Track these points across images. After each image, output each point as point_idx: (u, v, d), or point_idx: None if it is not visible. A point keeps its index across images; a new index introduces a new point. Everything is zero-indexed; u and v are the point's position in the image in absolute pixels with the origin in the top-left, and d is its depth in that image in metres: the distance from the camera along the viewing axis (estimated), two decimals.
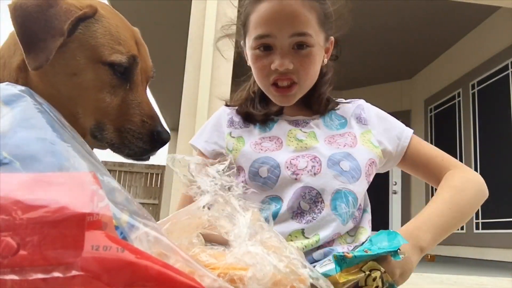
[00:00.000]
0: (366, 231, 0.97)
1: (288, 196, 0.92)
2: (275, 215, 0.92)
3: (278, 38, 0.93)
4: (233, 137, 1.04)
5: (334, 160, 0.95)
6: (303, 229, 0.90)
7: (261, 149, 0.99)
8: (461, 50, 6.25)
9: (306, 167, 0.94)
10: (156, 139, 0.82)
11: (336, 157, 0.95)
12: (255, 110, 1.06)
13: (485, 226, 5.61)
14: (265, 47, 0.96)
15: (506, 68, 5.39)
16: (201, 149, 1.08)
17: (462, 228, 6.04)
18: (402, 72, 7.13)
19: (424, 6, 5.11)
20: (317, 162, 0.95)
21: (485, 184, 0.99)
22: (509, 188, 5.17)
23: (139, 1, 5.05)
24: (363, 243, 0.75)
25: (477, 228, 5.74)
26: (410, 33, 5.79)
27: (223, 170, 0.61)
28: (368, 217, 1.01)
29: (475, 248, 5.75)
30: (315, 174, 0.93)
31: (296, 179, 0.93)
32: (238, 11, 1.11)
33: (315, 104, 1.07)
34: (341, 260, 0.65)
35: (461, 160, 6.03)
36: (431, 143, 7.49)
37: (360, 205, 0.98)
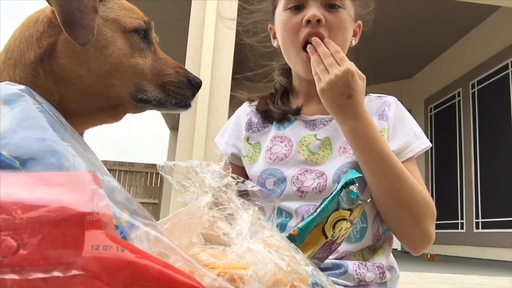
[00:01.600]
0: (384, 251, 0.93)
1: (292, 211, 0.91)
2: (284, 226, 0.91)
3: None
4: (250, 144, 1.03)
5: (339, 172, 0.92)
6: None
7: (270, 158, 0.97)
8: (461, 49, 6.25)
9: (312, 184, 0.92)
10: (193, 83, 0.90)
11: (342, 169, 0.92)
12: (274, 107, 1.04)
13: (485, 225, 5.61)
14: (296, 7, 0.95)
15: (506, 67, 5.39)
16: (222, 151, 1.07)
17: (462, 228, 6.05)
18: (402, 71, 7.14)
19: (424, 6, 5.11)
20: (324, 179, 0.92)
21: (434, 208, 0.91)
22: (509, 187, 5.17)
23: (139, 1, 5.05)
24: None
25: (477, 228, 5.74)
26: (410, 33, 5.79)
27: (213, 175, 0.60)
28: (389, 235, 0.97)
29: (475, 248, 5.75)
30: (320, 191, 0.92)
31: (301, 196, 0.92)
32: None
33: None
34: (292, 241, 0.64)
35: (461, 160, 6.05)
36: (431, 142, 7.53)
37: (378, 219, 0.93)
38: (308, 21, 0.92)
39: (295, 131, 1.01)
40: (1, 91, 0.45)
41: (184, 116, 3.28)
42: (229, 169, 0.62)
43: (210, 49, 3.30)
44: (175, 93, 0.88)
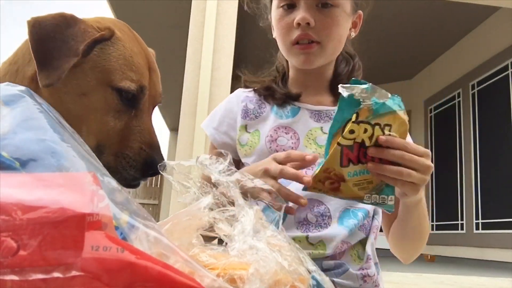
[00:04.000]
0: (369, 239, 0.95)
1: (295, 206, 0.90)
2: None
3: None
4: (249, 132, 1.01)
5: None
6: (307, 236, 0.89)
7: (277, 151, 0.95)
8: (461, 50, 6.25)
9: None
10: (149, 168, 0.81)
11: None
12: (277, 86, 1.04)
13: (485, 226, 5.61)
14: (289, 6, 0.96)
15: (506, 68, 5.39)
16: (210, 137, 1.06)
17: (462, 229, 6.04)
18: (402, 72, 7.14)
19: (424, 7, 5.11)
20: None
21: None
22: (509, 188, 5.17)
23: (139, 1, 5.05)
24: None
25: (477, 229, 5.74)
26: (410, 34, 5.79)
27: (222, 169, 0.60)
28: (376, 224, 0.98)
29: (475, 248, 5.75)
30: None
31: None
32: None
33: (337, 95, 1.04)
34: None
35: (461, 161, 6.05)
36: (431, 143, 7.49)
37: (369, 212, 0.96)
38: (299, 23, 0.93)
39: (300, 123, 1.00)
40: (1, 92, 0.45)
41: (184, 116, 3.28)
42: (233, 167, 0.62)
43: (210, 49, 3.30)
44: (125, 170, 0.80)
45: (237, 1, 3.47)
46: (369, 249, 0.94)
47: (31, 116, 0.43)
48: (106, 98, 0.79)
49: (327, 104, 1.02)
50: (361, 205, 0.92)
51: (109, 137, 0.79)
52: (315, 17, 0.92)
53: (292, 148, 0.96)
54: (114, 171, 0.80)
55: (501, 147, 5.39)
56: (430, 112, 7.01)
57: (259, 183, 0.63)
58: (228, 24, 3.41)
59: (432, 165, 0.74)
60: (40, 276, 0.31)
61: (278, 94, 1.02)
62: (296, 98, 1.02)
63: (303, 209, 0.90)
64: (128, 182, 0.81)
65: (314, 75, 1.02)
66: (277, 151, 0.95)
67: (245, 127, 1.02)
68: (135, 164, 0.80)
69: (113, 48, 0.79)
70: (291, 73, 1.07)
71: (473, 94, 6.01)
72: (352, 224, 0.90)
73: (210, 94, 3.27)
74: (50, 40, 0.73)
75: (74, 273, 0.32)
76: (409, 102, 7.29)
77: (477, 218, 5.74)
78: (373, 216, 0.99)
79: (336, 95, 1.03)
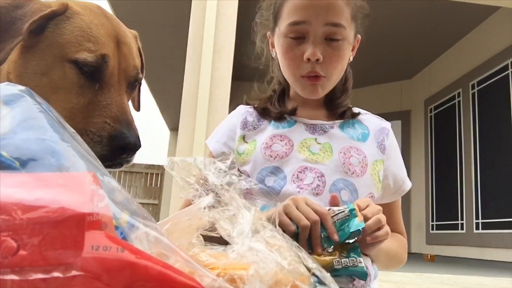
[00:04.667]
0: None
1: None
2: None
3: (313, 26, 0.93)
4: (247, 142, 1.04)
5: (337, 186, 0.95)
6: None
7: (271, 156, 0.98)
8: (461, 50, 6.25)
9: (312, 183, 0.94)
10: (116, 143, 0.74)
11: (340, 185, 0.95)
12: (271, 106, 1.06)
13: (485, 226, 5.61)
14: (297, 36, 0.95)
15: (506, 68, 5.39)
16: (212, 150, 1.08)
17: (462, 228, 6.04)
18: (402, 72, 7.14)
19: (424, 6, 5.11)
20: (322, 182, 0.94)
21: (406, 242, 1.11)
22: (509, 188, 5.17)
23: (139, 1, 5.05)
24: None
25: (477, 228, 5.74)
26: (410, 33, 5.79)
27: (226, 167, 0.61)
28: None
29: (475, 248, 5.75)
30: (317, 194, 0.93)
31: (299, 192, 0.93)
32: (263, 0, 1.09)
33: (335, 109, 1.06)
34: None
35: (461, 161, 6.05)
36: (431, 143, 7.48)
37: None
38: (308, 59, 0.93)
39: (295, 133, 1.02)
40: (1, 92, 0.45)
41: (184, 116, 3.28)
42: (234, 167, 0.62)
43: (210, 49, 3.30)
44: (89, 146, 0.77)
45: (237, 1, 3.47)
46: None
47: (31, 115, 0.43)
48: (66, 74, 0.74)
49: (322, 118, 1.06)
50: None
51: (72, 116, 0.73)
52: (323, 51, 0.94)
53: (286, 153, 0.98)
54: None
55: (501, 147, 5.39)
56: (430, 112, 7.00)
57: (252, 182, 0.64)
58: (228, 24, 3.41)
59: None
60: (40, 275, 0.31)
61: (273, 113, 1.05)
62: (291, 113, 1.05)
63: None
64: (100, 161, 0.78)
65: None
66: (271, 156, 0.97)
67: (243, 138, 1.05)
68: (99, 140, 0.73)
69: (69, 22, 0.75)
70: (291, 91, 1.09)
71: (473, 94, 6.01)
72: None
73: (210, 94, 3.27)
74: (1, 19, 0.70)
75: (74, 272, 0.32)
76: (409, 102, 7.29)
77: (477, 218, 5.74)
78: None
79: (330, 109, 1.08)
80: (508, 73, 5.34)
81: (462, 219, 6.06)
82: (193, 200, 0.60)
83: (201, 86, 3.26)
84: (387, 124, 1.11)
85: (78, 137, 0.46)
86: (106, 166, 0.76)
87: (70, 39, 0.74)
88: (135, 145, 0.76)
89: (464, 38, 6.12)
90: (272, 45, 1.07)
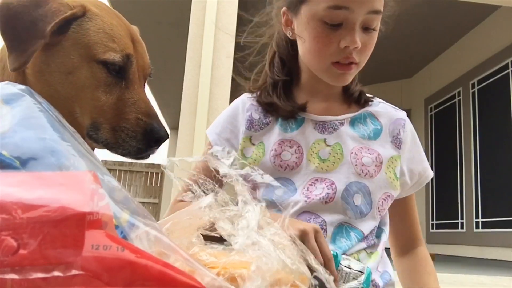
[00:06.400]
0: (377, 254, 0.93)
1: (294, 215, 0.90)
2: None
3: (355, 13, 0.86)
4: (254, 144, 0.99)
5: (349, 191, 0.91)
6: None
7: (281, 166, 0.94)
8: (461, 49, 6.24)
9: (321, 193, 0.91)
10: (151, 137, 0.79)
11: (353, 188, 0.91)
12: (280, 102, 0.99)
13: (485, 225, 5.61)
14: (335, 21, 0.87)
15: (506, 67, 5.38)
16: (212, 142, 1.03)
17: (462, 227, 6.05)
18: (402, 71, 7.13)
19: (424, 5, 5.11)
20: (332, 190, 0.91)
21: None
22: (509, 188, 5.17)
23: (139, 1, 5.05)
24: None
25: (477, 227, 5.74)
26: (410, 32, 5.78)
27: (233, 162, 0.60)
28: (384, 238, 0.97)
29: (475, 247, 5.75)
30: (326, 202, 0.90)
31: (306, 201, 0.90)
32: None
33: (352, 93, 1.01)
34: None
35: (461, 160, 6.05)
36: (431, 142, 7.48)
37: (363, 233, 0.93)
38: (347, 46, 0.88)
39: (304, 135, 0.97)
40: (2, 91, 0.45)
41: (184, 116, 3.28)
42: (236, 165, 0.61)
43: (210, 48, 3.30)
44: (125, 142, 0.78)
45: (237, 1, 3.47)
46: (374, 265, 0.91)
47: (31, 114, 0.43)
48: (93, 73, 0.77)
49: (335, 112, 1.00)
50: (355, 223, 0.91)
51: (103, 113, 0.78)
52: (360, 40, 0.88)
53: (296, 163, 0.94)
54: (115, 146, 0.79)
55: (501, 146, 5.39)
56: (430, 111, 7.00)
57: (268, 179, 0.63)
58: (228, 23, 3.41)
59: None
60: (40, 275, 0.31)
61: (283, 111, 0.98)
62: (301, 109, 0.99)
63: (300, 219, 0.89)
64: (134, 154, 0.80)
65: (327, 83, 0.98)
66: (281, 166, 0.94)
67: (249, 139, 1.00)
68: (134, 135, 0.79)
69: (91, 23, 0.78)
70: (303, 78, 1.02)
71: (473, 93, 6.00)
72: (345, 245, 0.88)
73: (210, 93, 3.27)
74: (19, 22, 0.71)
75: (74, 272, 0.32)
76: (409, 101, 7.29)
77: (477, 217, 5.74)
78: (380, 231, 0.96)
79: (346, 100, 1.02)
80: (508, 72, 5.34)
81: (462, 218, 6.06)
82: (191, 202, 0.59)
83: (201, 86, 3.26)
84: (402, 114, 1.05)
85: (79, 136, 0.46)
86: (138, 158, 0.81)
87: (96, 40, 0.77)
88: (167, 136, 0.82)
89: (464, 37, 6.12)
90: (287, 23, 0.98)
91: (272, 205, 0.91)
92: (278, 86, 1.01)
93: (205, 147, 1.09)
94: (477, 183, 5.76)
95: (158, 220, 0.51)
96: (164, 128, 0.82)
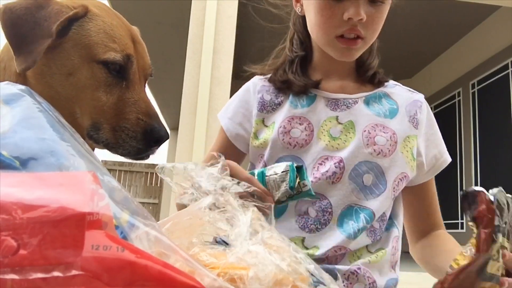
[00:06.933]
0: (386, 252, 0.90)
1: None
2: (280, 211, 0.89)
3: None
4: (267, 126, 0.97)
5: (358, 171, 0.88)
6: (303, 238, 0.86)
7: (290, 144, 0.91)
8: (461, 49, 6.24)
9: (327, 171, 0.88)
10: (151, 137, 0.80)
11: (362, 168, 0.88)
12: (295, 77, 0.97)
13: None
14: None
15: (506, 67, 5.38)
16: (224, 127, 1.02)
17: (462, 228, 6.04)
18: (402, 71, 7.13)
19: (424, 6, 5.11)
20: (340, 169, 0.88)
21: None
22: (509, 187, 5.16)
23: (139, 1, 5.05)
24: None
25: None
26: (410, 33, 5.78)
27: (211, 175, 0.60)
28: (395, 233, 0.93)
29: None
30: (333, 182, 0.88)
31: (312, 181, 0.87)
32: None
33: (365, 72, 0.99)
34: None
35: (461, 159, 6.05)
36: None
37: (384, 216, 0.90)
38: (350, 18, 0.87)
39: (315, 112, 0.95)
40: (1, 91, 0.45)
41: (184, 116, 3.28)
42: (226, 171, 0.61)
43: (210, 49, 3.30)
44: (125, 142, 0.78)
45: (237, 1, 3.47)
46: (387, 267, 0.89)
47: (31, 115, 0.43)
48: (94, 74, 0.78)
49: (349, 90, 0.98)
50: (367, 203, 0.87)
51: (103, 113, 0.78)
52: (366, 12, 0.87)
53: (306, 141, 0.91)
54: (115, 146, 0.79)
55: (501, 146, 5.39)
56: None
57: (243, 186, 0.62)
58: (228, 23, 3.41)
59: None
60: (40, 275, 0.31)
61: (297, 87, 0.97)
62: (315, 85, 0.97)
63: (305, 201, 0.87)
64: (133, 154, 0.80)
65: (340, 61, 0.97)
66: (290, 144, 0.91)
67: (262, 121, 0.98)
68: (134, 135, 0.79)
69: (92, 24, 0.78)
70: (316, 57, 1.01)
71: (473, 93, 6.00)
72: (352, 229, 0.85)
73: (210, 93, 3.27)
74: (23, 24, 0.72)
75: (74, 272, 0.32)
76: None
77: None
78: (391, 223, 0.93)
79: (359, 74, 1.00)
80: (508, 72, 5.34)
81: (461, 218, 6.06)
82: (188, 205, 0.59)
83: (201, 86, 3.26)
84: (420, 96, 1.03)
85: (79, 137, 0.45)
86: (138, 158, 0.81)
87: (97, 40, 0.77)
88: (167, 137, 0.82)
89: (464, 37, 6.11)
90: (298, 4, 0.98)
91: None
92: (295, 63, 1.00)
93: (218, 138, 1.06)
94: (477, 184, 5.75)
95: (158, 220, 0.51)
96: (165, 128, 0.82)
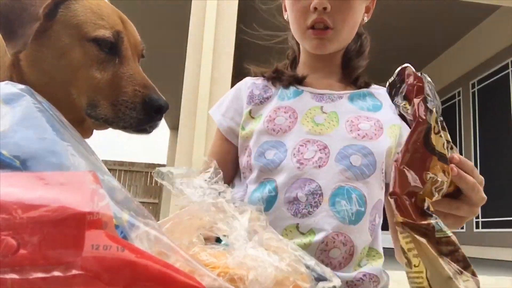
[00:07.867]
0: (380, 256, 0.91)
1: (286, 184, 0.88)
2: (271, 202, 0.88)
3: None
4: (253, 118, 1.00)
5: (344, 153, 0.89)
6: (297, 224, 0.85)
7: (273, 130, 0.94)
8: (461, 49, 6.24)
9: (313, 157, 0.89)
10: (150, 106, 0.80)
11: (348, 151, 0.89)
12: (285, 71, 1.04)
13: (485, 225, 5.61)
14: None
15: (506, 67, 5.38)
16: (217, 123, 1.05)
17: (462, 227, 6.05)
18: None
19: (424, 5, 5.11)
20: (325, 154, 0.89)
21: None
22: (509, 187, 5.17)
23: (139, 1, 5.05)
24: None
25: (477, 227, 5.74)
26: (410, 33, 5.78)
27: (209, 178, 0.60)
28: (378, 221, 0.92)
29: (475, 247, 5.74)
30: (319, 166, 0.88)
31: (299, 167, 0.88)
32: None
33: (351, 72, 1.03)
34: None
35: None
36: None
37: (365, 196, 0.89)
38: (315, 8, 0.91)
39: (301, 103, 0.98)
40: (1, 91, 0.44)
41: (184, 115, 3.28)
42: (219, 174, 0.61)
43: (210, 49, 3.30)
44: (125, 114, 0.79)
45: (237, 1, 3.47)
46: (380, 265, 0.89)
47: (31, 114, 0.43)
48: (86, 52, 0.78)
49: (335, 88, 1.01)
50: (357, 184, 0.87)
51: (100, 90, 0.79)
52: (332, 2, 0.91)
53: (289, 126, 0.94)
54: (115, 121, 0.80)
55: (501, 146, 5.39)
56: None
57: (231, 193, 0.62)
58: (228, 24, 3.41)
59: (485, 197, 0.68)
60: (40, 275, 0.31)
61: (285, 76, 1.02)
62: (301, 80, 1.02)
63: (293, 188, 0.87)
64: (135, 126, 0.81)
65: (324, 59, 1.02)
66: (273, 130, 0.94)
67: (249, 112, 1.01)
68: (133, 106, 0.79)
69: (78, 5, 0.79)
70: (302, 56, 1.07)
71: (473, 93, 6.00)
72: (345, 210, 0.84)
73: (210, 93, 3.27)
74: (10, 11, 0.74)
75: (74, 272, 0.32)
76: None
77: (477, 217, 5.74)
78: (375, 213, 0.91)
79: (345, 74, 1.04)
80: (508, 72, 5.34)
81: None
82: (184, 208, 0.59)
83: (201, 86, 3.26)
84: None
85: (79, 136, 0.45)
86: (140, 131, 0.82)
87: (85, 19, 0.78)
88: (167, 106, 0.83)
89: (464, 37, 6.12)
90: (285, 8, 1.04)
91: (264, 169, 0.91)
92: (286, 63, 1.08)
93: (215, 137, 1.09)
94: None
95: (158, 220, 0.51)
96: (163, 98, 0.83)
